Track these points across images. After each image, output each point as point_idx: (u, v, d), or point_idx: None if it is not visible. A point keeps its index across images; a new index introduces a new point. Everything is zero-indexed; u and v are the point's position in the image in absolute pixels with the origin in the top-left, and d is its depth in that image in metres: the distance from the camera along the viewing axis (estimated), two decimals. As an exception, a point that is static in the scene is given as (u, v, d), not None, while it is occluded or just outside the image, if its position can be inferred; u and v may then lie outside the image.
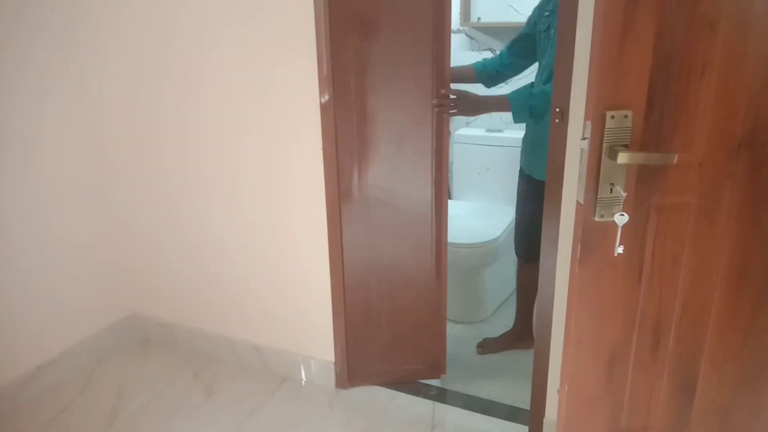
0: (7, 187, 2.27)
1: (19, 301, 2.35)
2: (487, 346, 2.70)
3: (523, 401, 2.24)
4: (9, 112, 2.23)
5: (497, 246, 2.82)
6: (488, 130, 3.18)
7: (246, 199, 2.36)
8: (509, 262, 3.12)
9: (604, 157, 1.17)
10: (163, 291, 2.73)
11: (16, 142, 2.27)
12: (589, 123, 1.17)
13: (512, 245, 3.12)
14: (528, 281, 2.57)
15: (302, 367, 2.49)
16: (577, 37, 1.65)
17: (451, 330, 2.92)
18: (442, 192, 2.20)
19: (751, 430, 1.43)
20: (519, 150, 3.09)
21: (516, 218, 2.61)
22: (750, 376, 1.39)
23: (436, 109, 2.07)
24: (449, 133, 2.30)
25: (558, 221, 1.86)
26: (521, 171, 2.51)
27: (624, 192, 1.19)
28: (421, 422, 2.23)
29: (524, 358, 2.51)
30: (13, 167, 2.28)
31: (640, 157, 1.17)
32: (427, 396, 2.37)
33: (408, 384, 2.44)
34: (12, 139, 2.26)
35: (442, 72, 2.05)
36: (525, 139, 2.44)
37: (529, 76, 2.51)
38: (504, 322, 2.91)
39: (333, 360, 2.42)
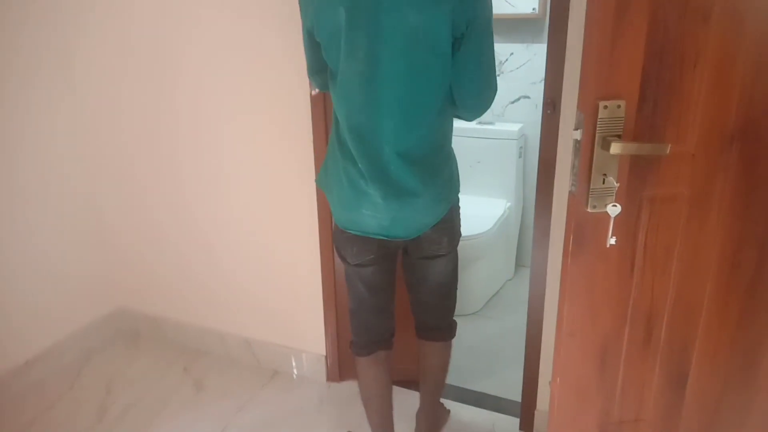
0: (-7, 182, 2.25)
1: (6, 296, 2.32)
2: None
3: (515, 393, 2.24)
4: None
5: (488, 238, 2.81)
6: (479, 123, 3.16)
7: (235, 192, 2.34)
8: (500, 254, 3.13)
9: (596, 147, 1.16)
10: (151, 285, 2.70)
11: (3, 141, 2.25)
12: (581, 113, 1.16)
13: (503, 237, 3.12)
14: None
15: (293, 360, 2.48)
16: (569, 27, 1.64)
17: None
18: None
19: (742, 422, 1.43)
20: (512, 143, 3.10)
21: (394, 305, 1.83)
22: (741, 368, 1.39)
23: None
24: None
25: (550, 213, 1.85)
26: (384, 244, 1.64)
27: (617, 183, 1.18)
28: (412, 415, 2.22)
29: (516, 351, 2.52)
30: (1, 171, 2.26)
31: (632, 148, 1.16)
32: (417, 389, 2.36)
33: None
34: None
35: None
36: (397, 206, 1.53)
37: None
38: (494, 314, 2.92)
39: (324, 353, 2.41)
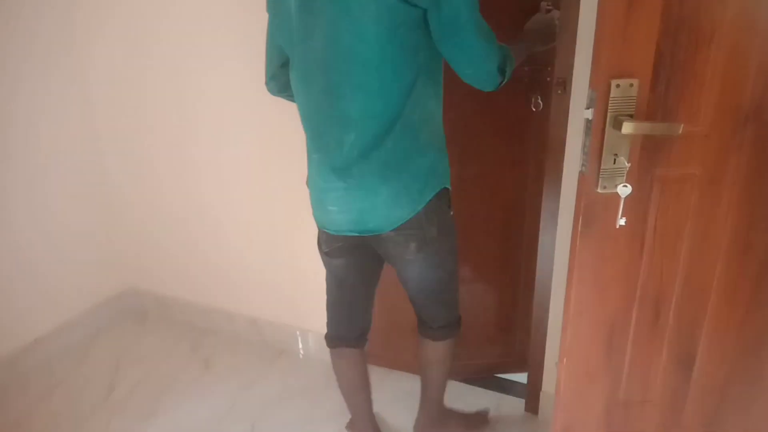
0: (7, 170, 2.26)
1: (16, 275, 2.34)
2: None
3: (520, 374, 2.25)
4: (11, 103, 2.24)
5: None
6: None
7: (243, 173, 2.34)
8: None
9: (608, 126, 1.14)
10: (160, 265, 2.71)
11: (17, 127, 2.27)
12: (593, 92, 1.14)
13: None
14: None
15: (300, 340, 2.49)
16: (581, 5, 1.62)
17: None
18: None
19: (748, 404, 1.43)
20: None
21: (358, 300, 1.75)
22: (749, 350, 1.38)
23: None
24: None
25: (558, 193, 1.84)
26: (345, 247, 1.58)
27: (628, 163, 1.17)
28: (416, 396, 2.23)
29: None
30: (14, 150, 2.28)
31: (645, 127, 1.15)
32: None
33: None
34: (13, 125, 2.26)
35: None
36: (361, 188, 1.43)
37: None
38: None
39: (330, 333, 2.42)
